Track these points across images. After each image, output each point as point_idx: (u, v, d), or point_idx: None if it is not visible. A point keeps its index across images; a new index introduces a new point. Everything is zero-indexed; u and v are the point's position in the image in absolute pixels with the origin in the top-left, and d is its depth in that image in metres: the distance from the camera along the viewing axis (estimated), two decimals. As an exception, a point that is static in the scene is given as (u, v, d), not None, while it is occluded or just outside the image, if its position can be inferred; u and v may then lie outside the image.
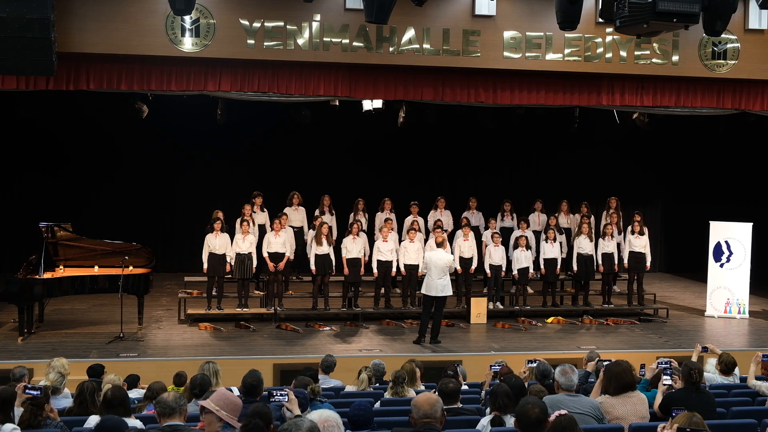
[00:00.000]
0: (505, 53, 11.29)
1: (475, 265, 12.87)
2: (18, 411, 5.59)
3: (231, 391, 6.80)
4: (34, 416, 5.46)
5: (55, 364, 7.28)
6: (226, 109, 12.87)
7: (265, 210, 13.31)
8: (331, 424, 4.26)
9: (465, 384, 7.76)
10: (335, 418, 4.36)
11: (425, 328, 11.19)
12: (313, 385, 6.57)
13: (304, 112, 13.57)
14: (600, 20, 10.49)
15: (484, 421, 5.61)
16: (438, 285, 10.98)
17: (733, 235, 13.38)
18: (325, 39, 10.88)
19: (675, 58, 11.69)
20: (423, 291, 11.21)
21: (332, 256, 12.34)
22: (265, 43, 10.81)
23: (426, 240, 12.77)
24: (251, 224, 12.48)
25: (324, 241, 12.20)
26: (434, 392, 5.58)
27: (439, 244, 11.28)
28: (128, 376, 8.21)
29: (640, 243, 13.25)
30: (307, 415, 4.51)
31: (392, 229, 12.70)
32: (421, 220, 13.54)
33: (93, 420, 5.63)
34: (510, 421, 5.46)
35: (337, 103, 12.43)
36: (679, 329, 12.50)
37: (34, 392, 5.60)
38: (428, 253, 11.39)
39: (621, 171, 16.84)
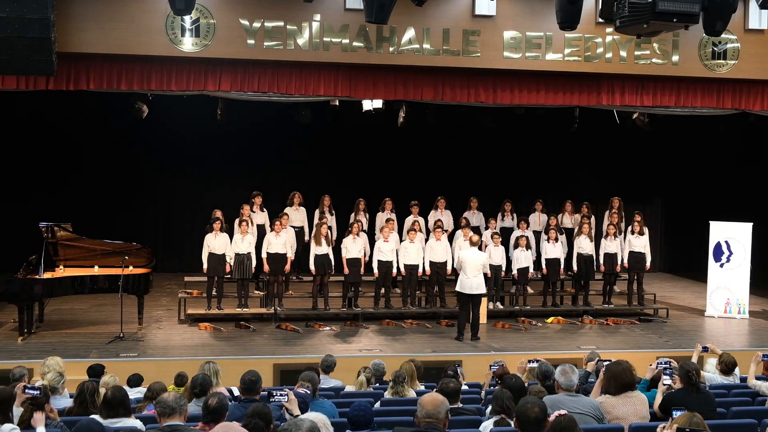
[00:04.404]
0: (505, 53, 11.29)
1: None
2: (17, 411, 5.59)
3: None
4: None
5: (49, 363, 7.27)
6: (226, 109, 12.86)
7: (264, 210, 13.30)
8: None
9: (465, 384, 7.76)
10: (321, 419, 4.50)
11: (464, 325, 11.41)
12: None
13: (304, 112, 13.56)
14: (600, 20, 10.45)
15: (487, 423, 5.59)
16: (473, 283, 11.27)
17: (733, 235, 13.37)
18: (325, 39, 10.88)
19: (675, 58, 11.68)
20: (457, 288, 11.47)
21: (331, 256, 12.34)
22: (265, 43, 10.80)
23: (426, 240, 12.78)
24: (249, 224, 12.48)
25: (323, 241, 12.20)
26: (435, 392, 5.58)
27: (473, 243, 11.57)
28: (131, 375, 8.22)
29: (640, 243, 13.24)
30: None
31: (393, 230, 12.71)
32: (421, 220, 13.53)
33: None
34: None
35: (337, 103, 12.42)
36: (679, 329, 12.50)
37: (34, 392, 5.59)
38: (462, 252, 11.59)
39: (621, 171, 16.83)
